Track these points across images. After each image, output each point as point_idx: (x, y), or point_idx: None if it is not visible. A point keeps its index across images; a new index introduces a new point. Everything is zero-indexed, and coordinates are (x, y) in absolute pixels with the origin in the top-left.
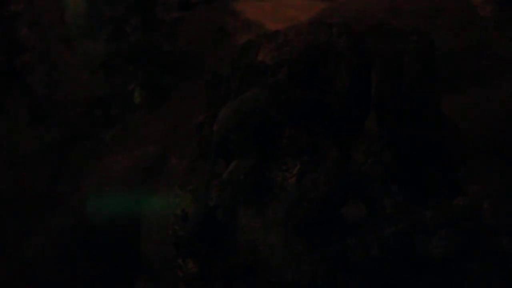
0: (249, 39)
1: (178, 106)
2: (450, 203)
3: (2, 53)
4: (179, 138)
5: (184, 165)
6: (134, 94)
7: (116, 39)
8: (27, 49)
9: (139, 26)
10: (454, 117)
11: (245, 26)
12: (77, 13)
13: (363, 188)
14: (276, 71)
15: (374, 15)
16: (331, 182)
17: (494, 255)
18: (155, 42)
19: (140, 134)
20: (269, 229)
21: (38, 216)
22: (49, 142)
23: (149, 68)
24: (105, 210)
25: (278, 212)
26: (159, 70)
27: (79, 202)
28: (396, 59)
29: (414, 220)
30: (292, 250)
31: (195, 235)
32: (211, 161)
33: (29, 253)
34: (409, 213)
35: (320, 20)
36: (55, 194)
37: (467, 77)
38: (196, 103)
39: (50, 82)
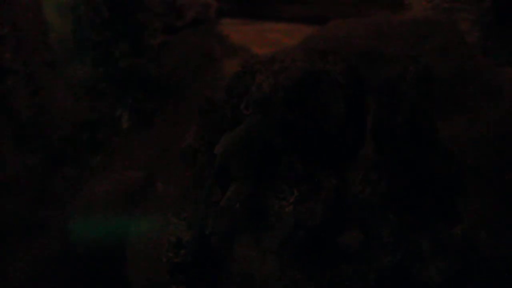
0: (244, 65)
1: (165, 131)
2: (447, 231)
3: None
4: (166, 163)
5: (173, 191)
6: (122, 118)
7: (104, 64)
8: (11, 73)
9: (127, 51)
10: (446, 143)
11: (231, 51)
12: (63, 37)
13: (360, 216)
14: (272, 98)
15: (361, 41)
16: (327, 210)
17: (491, 284)
18: (142, 66)
19: (126, 159)
20: (265, 258)
21: (21, 241)
22: (34, 166)
23: (136, 93)
24: (90, 235)
25: (274, 240)
26: (145, 95)
27: (63, 227)
28: (392, 86)
29: (412, 248)
30: (288, 279)
31: (190, 262)
32: (208, 188)
33: (12, 279)
34: (406, 242)
35: (313, 47)
36: (39, 218)
37: (455, 104)
38: (182, 128)
39: (35, 106)
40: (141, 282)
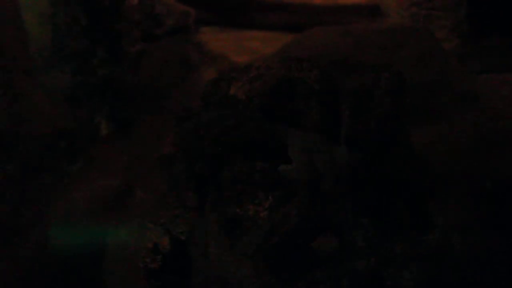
0: (220, 73)
1: (143, 139)
2: (420, 236)
3: None
4: (144, 170)
5: (150, 198)
6: (100, 126)
7: (82, 72)
8: None
9: (105, 59)
10: (419, 151)
11: (210, 59)
12: (42, 45)
13: (334, 222)
14: (248, 105)
15: (338, 48)
16: (302, 215)
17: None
18: (121, 74)
19: (104, 166)
20: (240, 263)
21: None
22: (12, 175)
23: (114, 101)
24: (68, 242)
25: (250, 245)
26: (124, 103)
27: (42, 235)
28: (366, 94)
29: (385, 253)
30: (263, 284)
31: (166, 268)
32: (184, 194)
33: None
34: (380, 247)
35: (289, 54)
36: (17, 226)
37: (431, 111)
38: (160, 136)
39: (13, 114)
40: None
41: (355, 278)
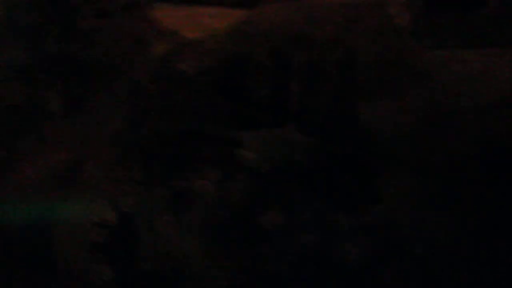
0: (170, 48)
1: (95, 115)
2: (366, 210)
3: None
4: (95, 146)
5: (99, 173)
6: (52, 102)
7: (35, 48)
8: None
9: (58, 35)
10: (369, 126)
11: (162, 35)
12: None
13: (281, 196)
14: (197, 80)
15: (292, 24)
16: (249, 189)
17: (409, 261)
18: (73, 51)
19: (56, 142)
20: (186, 237)
21: None
22: None
23: (67, 77)
24: (18, 218)
25: (196, 220)
26: (76, 79)
27: None
28: (316, 70)
29: (331, 228)
30: (210, 258)
31: (112, 242)
32: (132, 168)
33: None
34: (326, 221)
35: (240, 29)
36: None
37: (383, 87)
38: (112, 112)
39: None
40: (67, 262)
41: (301, 251)
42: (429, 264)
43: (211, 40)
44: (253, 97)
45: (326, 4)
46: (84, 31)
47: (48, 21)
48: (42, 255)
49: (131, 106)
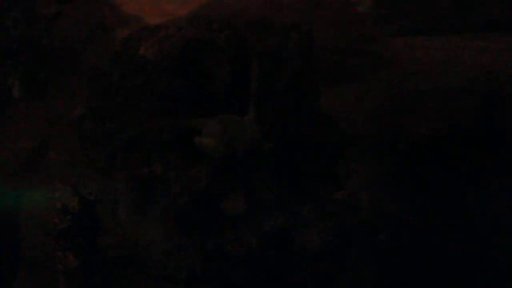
0: (130, 33)
1: (57, 101)
2: (328, 197)
3: None
4: (58, 132)
5: (61, 159)
6: (13, 88)
7: None
8: None
9: (19, 19)
10: (331, 112)
11: (124, 20)
12: None
13: (243, 182)
14: (157, 65)
15: (254, 10)
16: (212, 175)
17: (371, 246)
18: (35, 35)
19: (18, 128)
20: (149, 223)
21: None
22: None
23: (28, 62)
24: None
25: (159, 206)
26: (38, 64)
27: None
28: (275, 55)
29: (293, 213)
30: (172, 244)
31: (75, 228)
32: (94, 154)
33: None
34: (288, 207)
35: (201, 15)
36: None
37: (343, 73)
38: (74, 97)
39: None
40: (32, 249)
41: (263, 237)
42: (391, 249)
43: (170, 25)
44: (212, 82)
45: None
46: (46, 16)
47: (9, 5)
48: (8, 243)
49: (92, 92)
